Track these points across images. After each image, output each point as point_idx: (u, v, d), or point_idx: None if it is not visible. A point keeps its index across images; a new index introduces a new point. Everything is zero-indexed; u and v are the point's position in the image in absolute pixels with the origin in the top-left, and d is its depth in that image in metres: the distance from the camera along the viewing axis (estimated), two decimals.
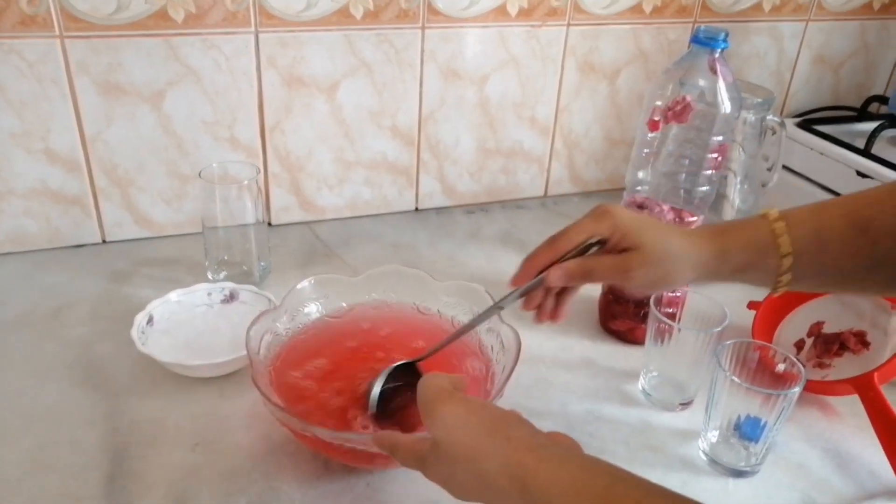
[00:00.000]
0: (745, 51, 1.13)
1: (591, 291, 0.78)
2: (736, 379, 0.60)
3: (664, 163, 0.76)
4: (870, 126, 1.06)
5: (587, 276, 0.56)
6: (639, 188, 0.79)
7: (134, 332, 0.69)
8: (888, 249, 0.51)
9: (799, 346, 0.78)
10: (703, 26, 0.72)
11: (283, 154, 0.94)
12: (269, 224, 0.98)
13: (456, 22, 0.94)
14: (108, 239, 0.92)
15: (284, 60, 0.89)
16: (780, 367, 0.63)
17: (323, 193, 0.99)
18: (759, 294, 0.68)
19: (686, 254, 0.55)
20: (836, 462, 0.65)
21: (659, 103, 0.75)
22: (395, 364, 0.61)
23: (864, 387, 0.66)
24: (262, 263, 0.85)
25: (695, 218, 0.76)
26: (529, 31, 0.99)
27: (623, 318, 0.79)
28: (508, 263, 0.58)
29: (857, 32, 1.19)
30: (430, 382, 0.48)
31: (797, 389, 0.59)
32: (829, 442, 0.67)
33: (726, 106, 0.73)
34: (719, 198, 0.98)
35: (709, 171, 0.75)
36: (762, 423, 0.61)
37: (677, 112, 0.73)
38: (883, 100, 1.21)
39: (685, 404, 0.71)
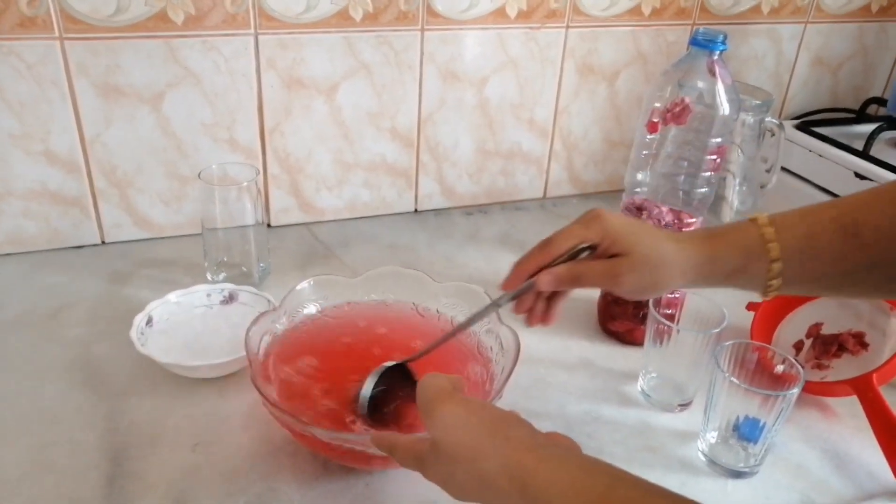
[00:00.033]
0: (743, 53, 1.13)
1: (590, 293, 0.77)
2: (735, 380, 0.60)
3: (663, 164, 0.76)
4: (868, 128, 1.06)
5: (576, 281, 0.56)
6: (638, 190, 0.79)
7: (133, 333, 0.69)
8: (878, 252, 0.50)
9: (798, 347, 0.78)
10: (701, 28, 0.73)
11: (283, 155, 0.95)
12: (269, 225, 0.98)
13: (455, 24, 0.94)
14: (107, 240, 0.92)
15: (284, 62, 0.89)
16: (779, 369, 0.64)
17: (322, 195, 0.99)
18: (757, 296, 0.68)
19: (675, 259, 0.55)
20: (834, 463, 0.65)
21: (658, 105, 0.75)
22: (386, 365, 0.61)
23: (862, 388, 0.66)
24: (262, 264, 0.85)
25: (694, 219, 0.76)
26: (528, 33, 0.99)
27: (622, 319, 0.79)
28: (507, 265, 0.58)
29: (856, 34, 1.20)
30: (430, 383, 0.48)
31: (796, 390, 0.59)
32: (828, 443, 0.68)
33: (725, 108, 0.73)
34: (718, 199, 0.98)
35: (708, 173, 0.75)
36: (761, 423, 0.61)
37: (676, 114, 0.73)
38: (881, 102, 1.21)
39: (684, 405, 0.71)
